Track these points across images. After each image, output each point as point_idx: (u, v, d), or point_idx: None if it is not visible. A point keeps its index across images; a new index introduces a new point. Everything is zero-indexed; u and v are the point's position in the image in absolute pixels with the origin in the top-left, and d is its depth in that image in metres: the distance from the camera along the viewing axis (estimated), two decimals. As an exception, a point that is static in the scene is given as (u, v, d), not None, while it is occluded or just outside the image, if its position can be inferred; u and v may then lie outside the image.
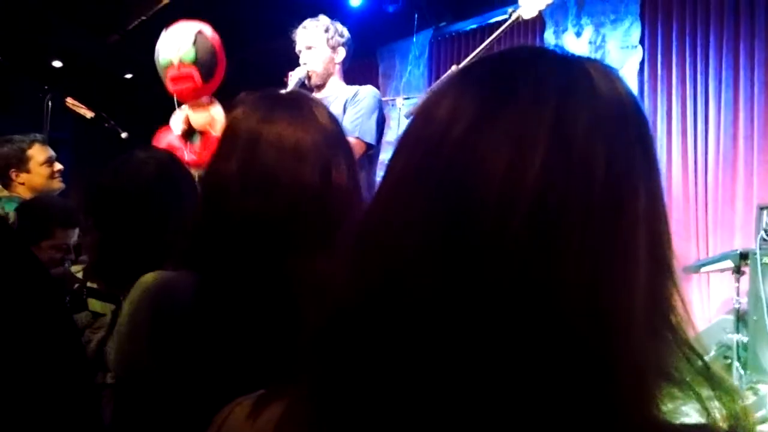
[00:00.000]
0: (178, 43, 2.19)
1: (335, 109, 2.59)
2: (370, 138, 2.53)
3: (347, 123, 2.51)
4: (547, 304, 0.40)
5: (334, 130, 0.98)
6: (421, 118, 0.48)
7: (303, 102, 0.99)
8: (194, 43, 2.20)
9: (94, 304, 1.47)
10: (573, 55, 0.48)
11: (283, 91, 1.11)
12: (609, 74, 0.47)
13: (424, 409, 0.41)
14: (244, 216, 0.90)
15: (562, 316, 0.40)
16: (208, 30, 2.29)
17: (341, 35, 2.70)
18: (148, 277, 0.98)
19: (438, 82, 0.50)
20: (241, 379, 0.78)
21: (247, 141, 0.93)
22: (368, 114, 2.54)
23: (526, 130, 0.42)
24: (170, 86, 2.25)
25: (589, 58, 0.48)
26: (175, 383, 0.89)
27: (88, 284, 1.53)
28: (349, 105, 2.57)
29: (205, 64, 2.20)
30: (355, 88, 2.66)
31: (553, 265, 0.40)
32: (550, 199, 0.40)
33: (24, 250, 0.48)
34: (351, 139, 2.47)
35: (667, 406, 0.43)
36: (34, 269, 0.48)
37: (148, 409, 0.93)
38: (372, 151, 2.56)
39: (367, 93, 2.60)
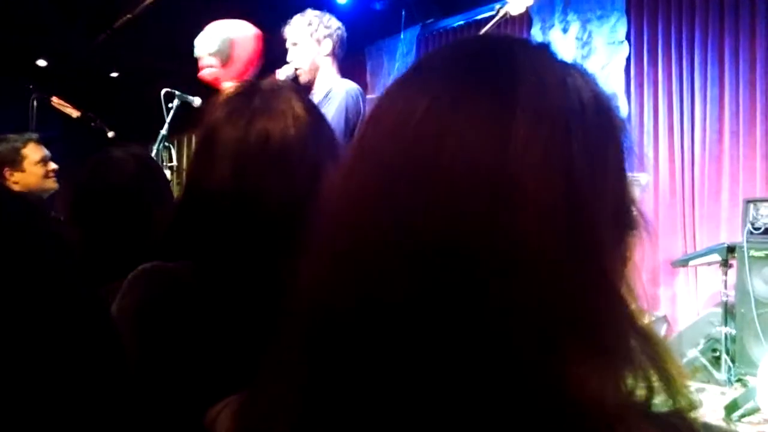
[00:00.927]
0: (209, 43, 2.54)
1: (316, 102, 2.57)
2: (338, 137, 2.46)
3: None
4: (523, 291, 0.40)
5: (317, 125, 0.96)
6: (389, 100, 0.47)
7: (282, 97, 0.96)
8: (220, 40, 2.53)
9: None
10: (542, 46, 0.48)
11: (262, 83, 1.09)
12: (579, 69, 0.47)
13: (405, 409, 0.41)
14: (240, 223, 0.89)
15: (520, 293, 0.40)
16: (236, 37, 2.55)
17: (327, 26, 2.65)
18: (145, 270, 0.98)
19: (397, 76, 0.50)
20: (229, 376, 0.78)
21: (235, 147, 0.91)
22: (335, 113, 2.46)
23: (500, 125, 0.42)
24: (200, 72, 2.54)
25: (542, 43, 0.49)
26: (163, 378, 0.89)
27: None
28: (319, 105, 2.52)
29: (223, 54, 2.51)
30: (333, 84, 2.60)
31: (526, 247, 0.40)
32: (519, 189, 0.40)
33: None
34: None
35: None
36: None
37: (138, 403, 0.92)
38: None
39: (341, 91, 2.53)
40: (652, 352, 0.43)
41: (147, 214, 1.35)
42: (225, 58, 2.52)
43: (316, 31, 2.63)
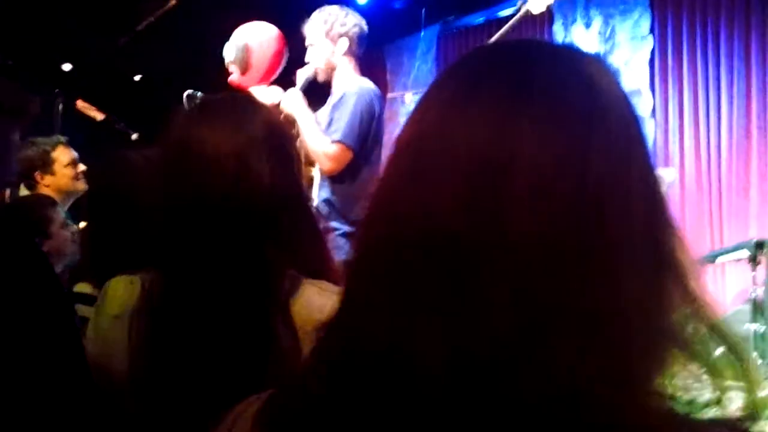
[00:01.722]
0: (230, 45, 2.60)
1: (328, 109, 2.55)
2: (352, 140, 2.39)
3: (334, 126, 2.43)
4: (551, 292, 0.39)
5: (261, 132, 0.99)
6: (417, 114, 0.48)
7: (234, 106, 1.02)
8: (236, 46, 2.60)
9: (82, 310, 1.45)
10: (564, 45, 0.50)
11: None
12: (601, 64, 0.47)
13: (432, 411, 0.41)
14: (169, 215, 0.96)
15: (561, 299, 0.39)
16: (252, 44, 2.61)
17: (343, 24, 2.56)
18: (116, 284, 1.01)
19: (436, 76, 0.50)
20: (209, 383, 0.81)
21: (174, 146, 0.99)
22: (348, 116, 2.41)
23: (531, 122, 0.42)
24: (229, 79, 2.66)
25: (578, 49, 0.48)
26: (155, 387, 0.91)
27: (75, 289, 1.51)
28: (336, 107, 2.48)
29: (241, 61, 2.58)
30: (348, 85, 2.53)
31: (564, 255, 0.40)
32: (560, 187, 0.40)
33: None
34: (331, 147, 2.39)
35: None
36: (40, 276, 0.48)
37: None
38: (363, 153, 2.44)
39: (354, 92, 2.47)
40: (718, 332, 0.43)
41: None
42: (243, 65, 2.57)
43: (332, 29, 2.56)
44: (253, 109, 1.04)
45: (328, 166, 2.41)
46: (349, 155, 2.40)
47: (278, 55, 2.61)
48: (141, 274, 1.00)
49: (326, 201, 2.49)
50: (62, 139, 2.94)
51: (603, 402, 0.39)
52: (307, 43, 2.62)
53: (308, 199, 1.02)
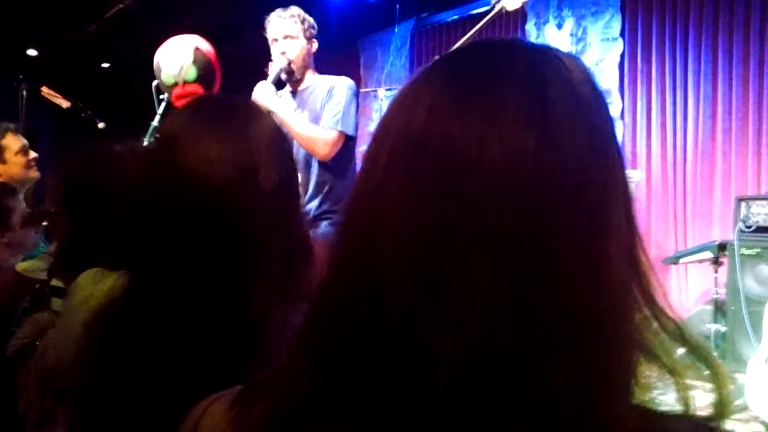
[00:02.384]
0: (179, 64, 2.30)
1: (316, 103, 2.59)
2: (351, 130, 2.55)
3: (328, 116, 2.52)
4: (540, 288, 0.40)
5: (268, 143, 0.95)
6: (401, 109, 0.47)
7: (233, 112, 0.96)
8: (194, 61, 2.30)
9: (58, 303, 1.42)
10: (543, 45, 0.48)
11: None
12: (576, 60, 0.47)
13: (411, 409, 0.41)
14: (154, 218, 0.90)
15: (555, 298, 0.40)
16: (202, 43, 2.37)
17: (313, 27, 2.70)
18: (85, 279, 0.98)
19: (416, 73, 0.50)
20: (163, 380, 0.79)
21: (166, 149, 0.92)
22: (347, 106, 2.55)
23: (514, 117, 0.42)
24: (176, 102, 2.33)
25: (554, 48, 0.49)
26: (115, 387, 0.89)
27: (52, 283, 1.48)
28: (327, 98, 2.58)
29: (206, 78, 2.33)
30: (331, 80, 2.65)
31: (546, 252, 0.40)
32: (543, 183, 0.40)
33: None
34: (332, 132, 2.48)
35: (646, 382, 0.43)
36: None
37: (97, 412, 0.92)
38: (352, 142, 2.59)
39: (344, 85, 2.62)
40: (683, 339, 0.44)
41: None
42: (211, 78, 2.34)
43: (307, 30, 2.67)
44: (257, 114, 0.98)
45: (326, 150, 2.52)
46: (343, 141, 2.54)
47: (219, 72, 2.46)
48: (115, 272, 0.96)
49: (319, 184, 2.60)
50: (11, 126, 2.85)
51: (580, 405, 0.39)
52: (281, 36, 2.62)
53: (302, 215, 0.96)
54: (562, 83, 0.44)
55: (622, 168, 0.45)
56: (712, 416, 0.43)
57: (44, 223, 2.26)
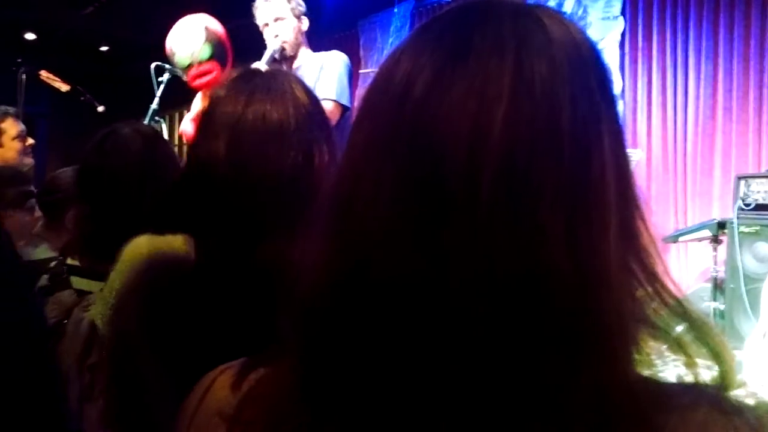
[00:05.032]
0: (192, 44, 2.30)
1: (309, 79, 2.57)
2: (347, 100, 2.55)
3: (324, 87, 2.51)
4: (525, 262, 0.39)
5: (314, 108, 0.98)
6: (380, 81, 0.46)
7: (281, 80, 0.98)
8: (206, 40, 2.29)
9: (78, 282, 1.43)
10: (524, 4, 0.46)
11: (260, 67, 1.10)
12: (562, 20, 0.45)
13: (402, 380, 0.41)
14: (233, 196, 0.91)
15: (541, 266, 0.39)
16: (211, 22, 2.36)
17: (301, 4, 2.69)
18: (140, 243, 0.99)
19: (397, 44, 0.49)
20: (223, 349, 0.80)
21: (232, 123, 0.93)
22: (342, 77, 2.55)
23: (486, 84, 0.41)
24: (193, 82, 2.32)
25: (540, 5, 0.47)
26: (165, 355, 0.90)
27: (68, 261, 1.50)
28: (322, 71, 2.58)
29: (219, 55, 2.32)
30: (323, 55, 2.66)
31: (527, 220, 0.39)
32: (519, 152, 0.39)
33: None
34: (329, 103, 2.46)
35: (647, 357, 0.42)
36: None
37: (138, 386, 0.94)
38: (348, 113, 2.58)
39: (338, 57, 2.62)
40: (684, 317, 0.43)
41: (153, 190, 1.36)
42: (225, 57, 2.35)
43: (296, 8, 2.66)
44: (300, 83, 1.00)
45: None
46: (339, 112, 2.53)
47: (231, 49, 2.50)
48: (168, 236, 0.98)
49: None
50: (10, 110, 2.83)
51: (590, 384, 0.39)
52: (269, 20, 2.62)
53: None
54: (537, 47, 0.42)
55: (615, 132, 0.43)
56: (720, 386, 0.42)
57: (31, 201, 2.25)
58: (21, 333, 0.45)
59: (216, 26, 2.36)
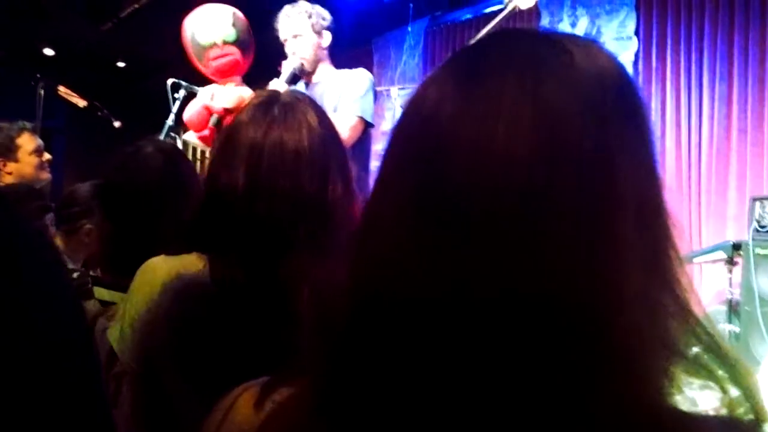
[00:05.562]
0: (219, 25, 2.33)
1: (330, 96, 2.57)
2: (370, 116, 2.55)
3: (349, 104, 2.51)
4: (546, 286, 0.39)
5: (327, 132, 1.03)
6: (410, 110, 0.47)
7: (297, 106, 1.03)
8: (233, 24, 2.34)
9: (101, 293, 1.46)
10: (552, 33, 0.46)
11: (279, 86, 1.12)
12: (590, 47, 0.45)
13: (422, 401, 0.41)
14: (251, 220, 0.95)
15: (561, 301, 0.39)
16: (238, 12, 2.41)
17: (324, 19, 2.67)
18: (156, 263, 1.01)
19: (429, 73, 0.49)
20: (244, 369, 0.81)
21: (251, 149, 0.98)
22: (365, 94, 2.55)
23: (508, 109, 0.41)
24: (211, 64, 2.34)
25: (568, 34, 0.47)
26: (190, 374, 0.92)
27: (92, 273, 1.53)
28: (347, 88, 2.57)
29: (244, 42, 2.37)
30: (348, 73, 2.65)
31: (548, 243, 0.39)
32: (539, 176, 0.39)
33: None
34: (353, 119, 2.48)
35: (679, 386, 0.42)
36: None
37: (164, 398, 0.95)
38: (370, 130, 2.59)
39: (364, 76, 2.62)
40: (715, 351, 0.42)
41: (174, 208, 1.38)
42: (247, 44, 2.38)
43: (316, 23, 2.65)
44: (317, 108, 1.06)
45: (347, 135, 2.45)
46: (362, 128, 2.54)
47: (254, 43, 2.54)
48: (183, 256, 1.01)
49: None
50: (27, 125, 2.85)
51: (612, 408, 0.38)
52: (288, 35, 2.64)
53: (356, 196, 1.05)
54: (560, 74, 0.43)
55: (639, 161, 0.43)
56: (755, 423, 0.42)
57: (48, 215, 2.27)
58: (82, 350, 0.45)
59: (241, 16, 2.40)
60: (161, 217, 1.38)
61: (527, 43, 0.45)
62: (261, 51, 2.45)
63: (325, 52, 2.70)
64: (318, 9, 2.68)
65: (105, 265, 1.50)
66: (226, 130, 1.05)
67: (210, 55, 2.34)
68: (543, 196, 0.39)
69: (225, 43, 2.31)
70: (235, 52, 2.33)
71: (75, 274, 1.57)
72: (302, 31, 2.63)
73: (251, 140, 0.99)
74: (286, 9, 2.67)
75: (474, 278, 0.40)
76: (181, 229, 1.05)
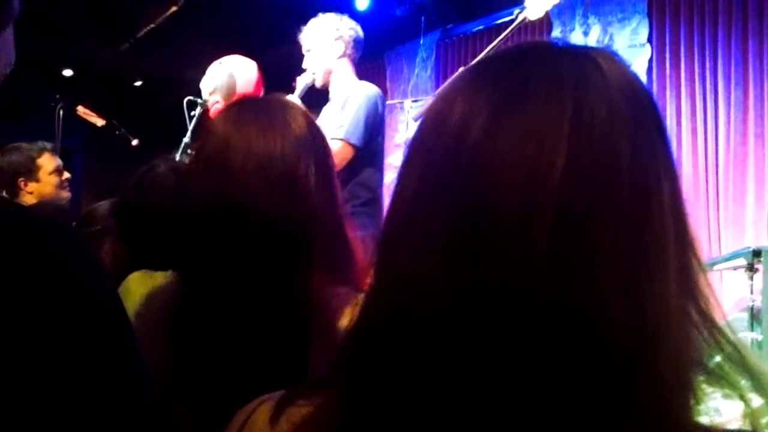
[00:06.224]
0: (207, 80, 2.63)
1: (333, 112, 2.54)
2: (356, 140, 2.45)
3: (336, 125, 2.45)
4: (581, 314, 0.38)
5: (309, 137, 0.96)
6: (433, 123, 0.46)
7: (274, 109, 0.97)
8: (212, 75, 2.62)
9: None
10: (579, 47, 0.46)
11: (264, 97, 1.09)
12: (617, 61, 0.45)
13: (452, 424, 0.40)
14: (216, 232, 0.90)
15: (600, 319, 0.38)
16: (225, 61, 2.64)
17: (337, 28, 2.62)
18: (135, 279, 1.00)
19: (446, 84, 0.49)
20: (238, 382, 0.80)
21: (217, 151, 0.92)
22: (355, 115, 2.46)
23: (545, 129, 0.40)
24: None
25: (593, 48, 0.46)
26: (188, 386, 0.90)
27: None
28: (343, 108, 2.51)
29: (221, 88, 2.59)
30: (351, 89, 2.58)
31: (584, 272, 0.38)
32: (578, 198, 0.39)
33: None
34: (336, 143, 2.38)
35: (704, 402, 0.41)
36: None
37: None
38: (360, 153, 2.49)
39: (360, 93, 2.52)
40: (743, 365, 0.42)
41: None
42: (230, 92, 2.57)
43: (327, 34, 2.62)
44: (297, 110, 0.99)
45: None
46: (350, 152, 2.46)
47: (259, 82, 2.67)
48: (162, 272, 0.98)
49: None
50: (47, 145, 2.90)
51: (649, 420, 0.38)
52: (304, 51, 2.66)
53: (344, 211, 0.99)
54: (595, 90, 0.42)
55: (672, 174, 0.42)
56: None
57: None
58: (135, 364, 0.47)
59: (234, 62, 2.50)
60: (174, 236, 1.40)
61: (561, 59, 0.44)
62: (277, 67, 2.49)
63: (341, 62, 2.64)
64: (334, 21, 2.64)
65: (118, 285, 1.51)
66: (200, 135, 1.00)
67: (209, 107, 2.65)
68: (590, 213, 0.39)
69: (210, 94, 2.62)
70: (217, 99, 2.60)
71: None
72: (312, 45, 2.64)
73: (216, 142, 0.93)
74: (309, 23, 2.67)
75: (511, 300, 0.39)
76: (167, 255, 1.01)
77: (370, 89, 2.59)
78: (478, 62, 0.49)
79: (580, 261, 0.38)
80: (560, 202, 0.39)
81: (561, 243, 0.38)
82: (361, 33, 2.71)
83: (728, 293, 3.98)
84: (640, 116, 0.42)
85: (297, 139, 0.93)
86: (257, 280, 0.87)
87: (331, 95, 2.67)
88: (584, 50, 0.46)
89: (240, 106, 0.98)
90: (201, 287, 0.92)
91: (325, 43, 2.62)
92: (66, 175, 2.90)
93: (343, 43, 2.63)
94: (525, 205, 0.39)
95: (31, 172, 2.78)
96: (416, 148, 0.47)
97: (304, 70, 2.66)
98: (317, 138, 0.98)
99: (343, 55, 2.65)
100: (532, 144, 0.40)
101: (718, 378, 0.42)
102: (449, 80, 0.49)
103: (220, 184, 0.91)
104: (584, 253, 0.38)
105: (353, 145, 2.45)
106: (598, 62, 0.44)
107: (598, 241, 0.39)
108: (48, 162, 2.84)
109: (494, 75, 0.45)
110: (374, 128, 2.52)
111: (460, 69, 0.50)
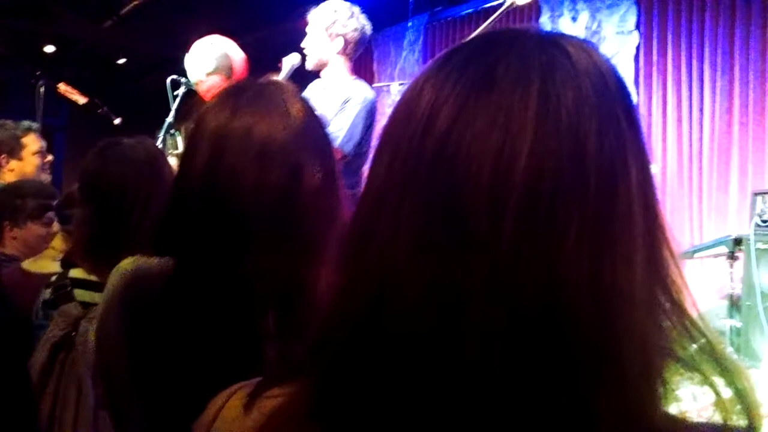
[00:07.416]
0: (199, 61, 2.61)
1: (329, 102, 2.52)
2: (348, 149, 2.45)
3: (332, 127, 2.41)
4: (545, 301, 0.38)
5: (309, 125, 0.92)
6: (402, 111, 0.46)
7: (273, 93, 0.92)
8: (210, 54, 2.62)
9: (82, 294, 1.45)
10: (549, 33, 0.46)
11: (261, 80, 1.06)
12: (587, 49, 0.45)
13: (422, 415, 0.40)
14: (207, 216, 0.87)
15: (564, 307, 0.38)
16: (217, 41, 2.64)
17: (344, 25, 2.59)
18: (126, 263, 0.99)
19: (416, 72, 0.48)
20: (203, 369, 0.78)
21: (215, 136, 0.88)
22: (353, 123, 2.45)
23: (511, 116, 0.40)
24: (207, 96, 2.55)
25: (564, 34, 0.46)
26: (149, 368, 0.89)
27: (71, 275, 1.51)
28: (342, 109, 2.49)
29: (224, 68, 2.59)
30: (351, 90, 2.55)
31: (549, 259, 0.38)
32: (543, 186, 0.39)
33: None
34: None
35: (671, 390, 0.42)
36: None
37: (127, 395, 0.94)
38: (347, 159, 2.48)
39: (359, 101, 2.50)
40: (711, 353, 0.42)
41: (147, 201, 1.40)
42: (228, 71, 2.55)
43: (332, 26, 2.58)
44: (295, 95, 0.94)
45: None
46: (339, 157, 2.44)
47: (247, 63, 2.71)
48: (154, 258, 0.95)
49: None
50: (34, 126, 2.91)
51: (611, 422, 0.38)
52: (307, 29, 2.62)
53: (345, 203, 0.94)
54: (563, 77, 0.42)
55: (641, 162, 0.43)
56: (748, 428, 0.42)
57: (50, 214, 2.29)
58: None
59: (220, 43, 2.49)
60: (135, 208, 1.41)
61: (529, 46, 0.44)
62: (263, 48, 2.47)
63: (339, 59, 2.62)
64: (344, 15, 2.60)
65: (83, 253, 1.50)
66: (195, 117, 0.94)
67: (202, 90, 2.60)
68: (555, 201, 0.39)
69: (208, 75, 2.58)
70: (217, 80, 2.57)
71: (53, 278, 1.55)
72: (315, 26, 2.60)
73: (215, 127, 0.88)
74: (321, 4, 2.64)
75: (477, 288, 0.39)
76: (153, 227, 1.02)
77: (370, 93, 2.58)
78: (448, 50, 0.48)
79: (545, 248, 0.38)
80: (525, 189, 0.39)
81: (526, 230, 0.38)
82: (368, 32, 2.69)
83: (709, 281, 4.03)
84: (608, 104, 0.42)
85: (298, 126, 0.90)
86: (254, 265, 0.84)
87: (325, 83, 2.64)
88: (554, 38, 0.45)
89: (235, 91, 0.94)
90: (184, 271, 0.90)
91: (327, 36, 2.59)
92: (49, 157, 2.90)
93: (344, 41, 2.61)
94: (490, 193, 0.39)
95: (14, 150, 2.80)
96: (386, 137, 0.47)
97: (287, 52, 2.63)
98: (318, 126, 0.95)
99: (342, 53, 2.62)
100: (498, 131, 0.40)
101: (690, 367, 0.42)
102: (420, 68, 0.48)
103: (215, 168, 0.87)
104: (550, 241, 0.38)
105: (344, 154, 2.46)
106: (567, 50, 0.44)
107: (563, 229, 0.39)
108: (33, 142, 2.84)
109: (462, 63, 0.45)
110: (366, 134, 2.51)
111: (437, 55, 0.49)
